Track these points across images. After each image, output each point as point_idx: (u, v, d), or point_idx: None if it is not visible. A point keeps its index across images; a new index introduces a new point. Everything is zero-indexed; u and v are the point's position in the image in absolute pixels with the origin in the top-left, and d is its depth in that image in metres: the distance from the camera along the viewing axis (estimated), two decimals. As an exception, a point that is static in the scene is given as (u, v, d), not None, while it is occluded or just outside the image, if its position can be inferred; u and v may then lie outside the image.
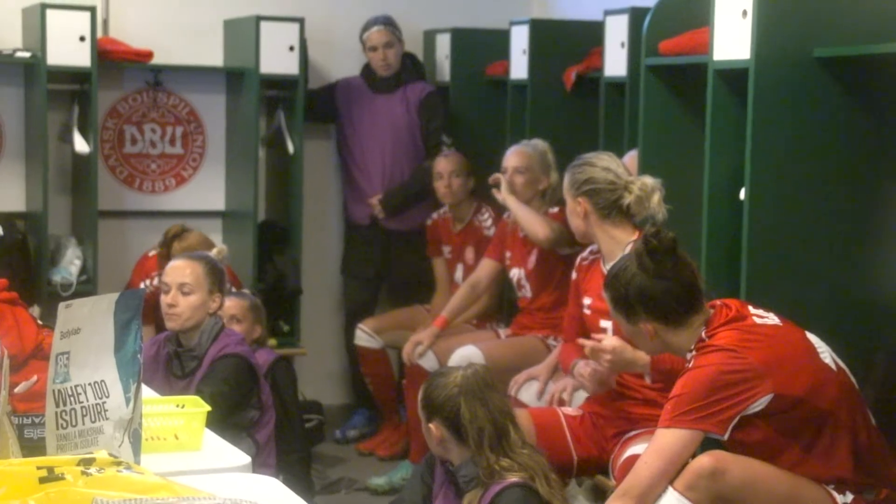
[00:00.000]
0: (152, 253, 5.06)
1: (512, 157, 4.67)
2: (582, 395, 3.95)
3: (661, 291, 2.91)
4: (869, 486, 2.92)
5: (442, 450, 3.11)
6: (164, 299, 3.70)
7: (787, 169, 3.25)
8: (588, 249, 3.81)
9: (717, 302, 2.95)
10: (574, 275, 3.86)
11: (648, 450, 2.84)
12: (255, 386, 3.68)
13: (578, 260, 3.85)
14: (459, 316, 4.92)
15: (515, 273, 4.74)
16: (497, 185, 4.64)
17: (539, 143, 4.72)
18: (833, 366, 2.91)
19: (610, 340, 3.38)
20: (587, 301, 3.72)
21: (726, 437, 2.82)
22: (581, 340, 3.55)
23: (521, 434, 3.12)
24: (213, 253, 4.08)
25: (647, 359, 3.36)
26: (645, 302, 2.92)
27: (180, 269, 3.73)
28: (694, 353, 2.86)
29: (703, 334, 2.88)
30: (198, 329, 3.68)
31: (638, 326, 2.95)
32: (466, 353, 4.45)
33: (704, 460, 2.85)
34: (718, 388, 2.78)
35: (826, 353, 2.92)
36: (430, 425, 3.10)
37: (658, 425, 2.84)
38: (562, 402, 3.93)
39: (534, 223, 4.51)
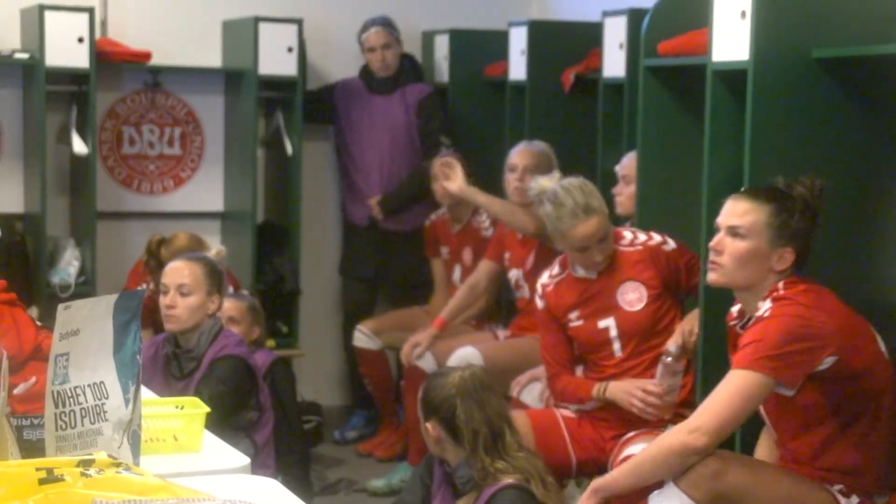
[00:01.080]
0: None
1: (522, 156, 4.67)
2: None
3: (811, 233, 2.97)
4: (884, 490, 2.93)
5: (439, 450, 3.12)
6: (163, 301, 3.70)
7: (786, 170, 3.25)
8: (546, 274, 3.80)
9: None
10: (541, 303, 3.79)
11: (721, 390, 2.81)
12: (253, 387, 3.68)
13: (541, 289, 3.79)
14: (458, 317, 4.92)
15: (514, 274, 4.75)
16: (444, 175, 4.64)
17: (542, 144, 4.73)
18: (887, 356, 2.94)
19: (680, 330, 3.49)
20: (574, 314, 3.71)
21: (794, 392, 2.84)
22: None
23: (517, 437, 3.12)
24: (212, 254, 4.08)
25: None
26: (803, 235, 2.94)
27: (179, 271, 3.73)
28: (770, 303, 2.87)
29: (780, 285, 2.90)
30: (196, 330, 3.68)
31: (775, 251, 2.92)
32: (465, 355, 4.45)
33: (708, 460, 2.86)
34: (795, 338, 2.80)
35: (882, 345, 2.95)
36: (428, 425, 3.11)
37: (733, 367, 2.83)
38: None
39: (519, 217, 4.52)
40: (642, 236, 3.70)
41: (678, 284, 3.67)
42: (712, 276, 3.01)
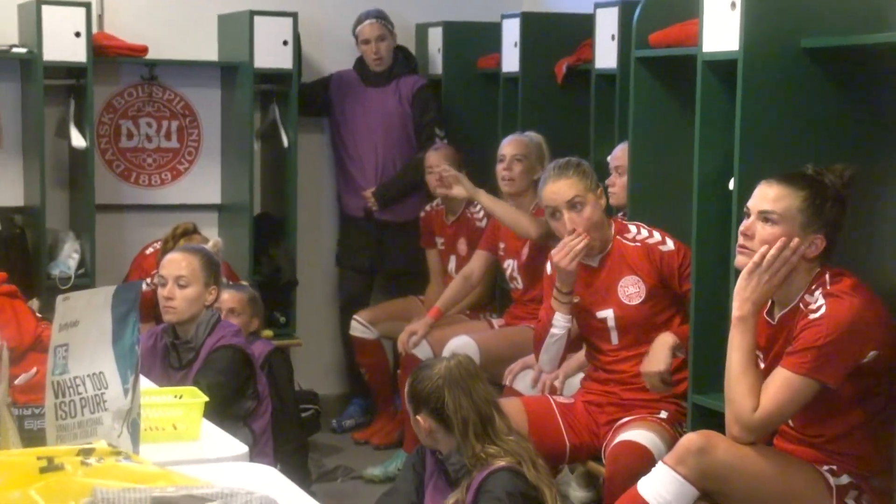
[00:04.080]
0: (150, 250, 5.05)
1: (510, 146, 4.67)
2: (573, 384, 3.95)
3: (841, 222, 2.92)
4: (881, 473, 2.94)
5: (431, 441, 3.12)
6: (161, 292, 3.70)
7: (776, 159, 3.26)
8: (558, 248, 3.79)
9: None
10: (550, 268, 3.78)
11: (773, 391, 2.81)
12: (251, 376, 3.68)
13: (550, 257, 3.81)
14: (453, 307, 4.92)
15: (509, 264, 4.75)
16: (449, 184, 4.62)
17: (534, 135, 4.74)
18: None
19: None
20: (574, 300, 3.71)
21: (838, 387, 2.83)
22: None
23: (506, 421, 3.12)
24: (209, 246, 4.07)
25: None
26: (834, 223, 2.90)
27: (176, 263, 3.73)
28: (821, 299, 2.83)
29: (827, 278, 2.87)
30: (194, 321, 3.68)
31: (807, 237, 2.87)
32: (461, 344, 4.45)
33: (694, 438, 2.89)
34: (849, 340, 2.79)
35: None
36: (418, 417, 3.10)
37: (789, 368, 2.82)
38: (553, 391, 3.94)
39: (521, 222, 4.52)
40: (644, 232, 3.66)
41: (671, 287, 3.65)
42: (742, 260, 2.93)
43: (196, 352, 3.65)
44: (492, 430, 3.07)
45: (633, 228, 3.69)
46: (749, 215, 2.95)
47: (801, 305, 2.90)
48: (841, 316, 2.80)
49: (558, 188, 3.60)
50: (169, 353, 3.70)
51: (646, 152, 3.96)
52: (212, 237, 4.69)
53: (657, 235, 3.66)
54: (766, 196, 2.92)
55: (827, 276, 2.89)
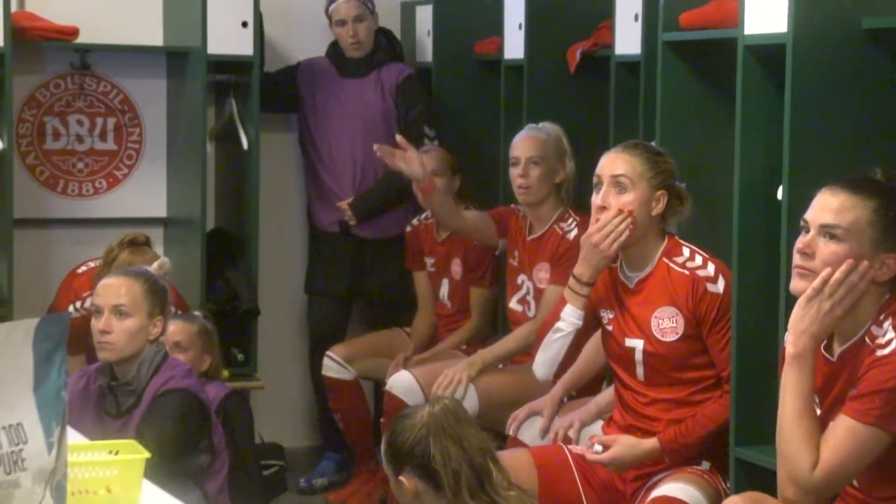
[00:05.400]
0: (82, 269, 5.03)
1: (524, 146, 4.64)
2: (593, 432, 3.94)
3: None
4: None
5: (417, 506, 3.09)
6: (96, 325, 3.70)
7: (832, 161, 3.27)
8: None
9: None
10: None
11: (835, 443, 2.79)
12: (204, 426, 3.68)
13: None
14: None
15: (521, 281, 4.70)
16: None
17: (551, 128, 4.71)
18: None
19: (609, 454, 3.57)
20: (605, 315, 3.70)
21: None
22: (584, 452, 3.67)
23: (505, 473, 3.11)
24: (154, 268, 4.06)
25: (657, 446, 3.54)
26: None
27: (115, 289, 3.73)
28: (892, 332, 2.80)
29: None
30: (136, 359, 3.67)
31: (877, 257, 2.85)
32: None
33: (738, 502, 2.86)
34: None
35: None
36: (401, 478, 3.07)
37: (852, 416, 2.79)
38: (567, 441, 3.93)
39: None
40: (698, 259, 3.61)
41: (701, 331, 3.59)
42: (800, 284, 2.89)
43: (138, 396, 3.65)
44: (489, 485, 3.05)
45: (686, 252, 3.63)
46: (808, 230, 2.93)
47: (867, 339, 2.89)
48: None
49: (612, 159, 3.62)
50: (104, 397, 3.70)
51: (676, 153, 3.96)
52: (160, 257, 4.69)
53: (710, 269, 3.59)
54: (830, 206, 2.90)
55: None
